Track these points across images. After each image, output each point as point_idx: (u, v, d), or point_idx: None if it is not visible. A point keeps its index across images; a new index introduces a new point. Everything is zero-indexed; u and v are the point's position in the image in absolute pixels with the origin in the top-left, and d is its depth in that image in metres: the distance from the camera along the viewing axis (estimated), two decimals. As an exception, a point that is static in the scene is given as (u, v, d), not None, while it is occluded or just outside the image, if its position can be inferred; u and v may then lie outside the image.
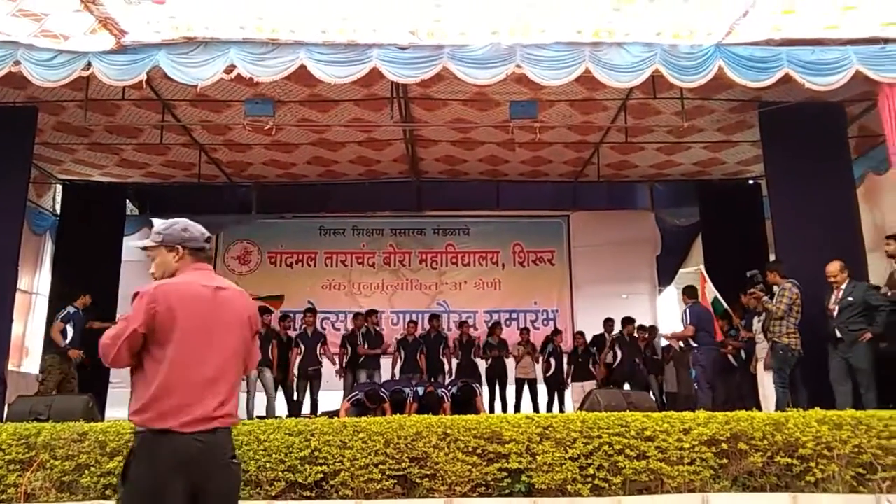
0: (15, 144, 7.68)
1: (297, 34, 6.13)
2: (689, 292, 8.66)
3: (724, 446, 4.55)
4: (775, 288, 6.99)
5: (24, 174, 7.91)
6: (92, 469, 4.42)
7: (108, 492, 4.36)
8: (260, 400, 8.85)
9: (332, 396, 9.38)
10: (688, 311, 8.32)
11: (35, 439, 4.57)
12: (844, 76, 6.17)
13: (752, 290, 7.08)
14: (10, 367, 8.04)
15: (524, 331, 10.73)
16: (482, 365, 10.20)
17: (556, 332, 10.65)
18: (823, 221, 7.34)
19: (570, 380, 10.16)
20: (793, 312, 6.68)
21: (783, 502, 4.46)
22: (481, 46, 6.22)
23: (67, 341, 7.91)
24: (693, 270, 12.31)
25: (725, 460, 4.53)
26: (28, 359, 9.56)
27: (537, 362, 10.28)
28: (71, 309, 8.15)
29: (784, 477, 4.53)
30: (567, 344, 10.67)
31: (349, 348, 9.71)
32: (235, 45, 6.18)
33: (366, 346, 9.61)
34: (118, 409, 8.51)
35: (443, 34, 6.15)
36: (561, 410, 9.80)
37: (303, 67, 6.20)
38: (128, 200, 11.58)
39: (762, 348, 7.31)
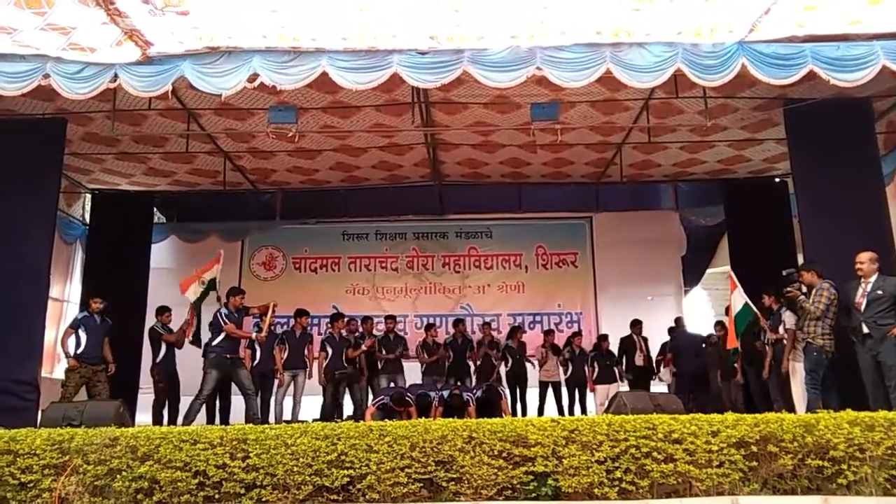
0: (45, 155, 7.86)
1: (319, 42, 6.18)
2: (676, 322, 10.57)
3: (754, 448, 4.48)
4: (803, 287, 6.87)
5: (55, 184, 8.08)
6: (124, 473, 4.48)
7: (139, 496, 4.42)
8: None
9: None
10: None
11: (68, 444, 4.64)
12: (871, 72, 6.07)
13: (789, 289, 6.94)
14: (43, 373, 8.16)
15: (548, 333, 10.67)
16: (502, 368, 10.10)
17: (576, 333, 10.55)
18: (852, 219, 7.23)
19: (594, 382, 10.03)
20: (829, 313, 6.55)
21: (814, 505, 4.40)
22: (501, 50, 6.23)
23: (81, 348, 7.77)
24: (721, 271, 12.20)
25: (755, 463, 4.46)
26: (60, 365, 9.70)
27: (563, 365, 10.21)
28: (80, 314, 8.08)
29: (815, 479, 4.45)
30: (588, 346, 10.54)
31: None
32: (258, 53, 6.27)
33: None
34: (148, 414, 8.64)
35: (462, 38, 6.16)
36: (583, 412, 9.72)
37: (324, 74, 6.26)
38: (155, 208, 11.77)
39: (797, 352, 7.16)
